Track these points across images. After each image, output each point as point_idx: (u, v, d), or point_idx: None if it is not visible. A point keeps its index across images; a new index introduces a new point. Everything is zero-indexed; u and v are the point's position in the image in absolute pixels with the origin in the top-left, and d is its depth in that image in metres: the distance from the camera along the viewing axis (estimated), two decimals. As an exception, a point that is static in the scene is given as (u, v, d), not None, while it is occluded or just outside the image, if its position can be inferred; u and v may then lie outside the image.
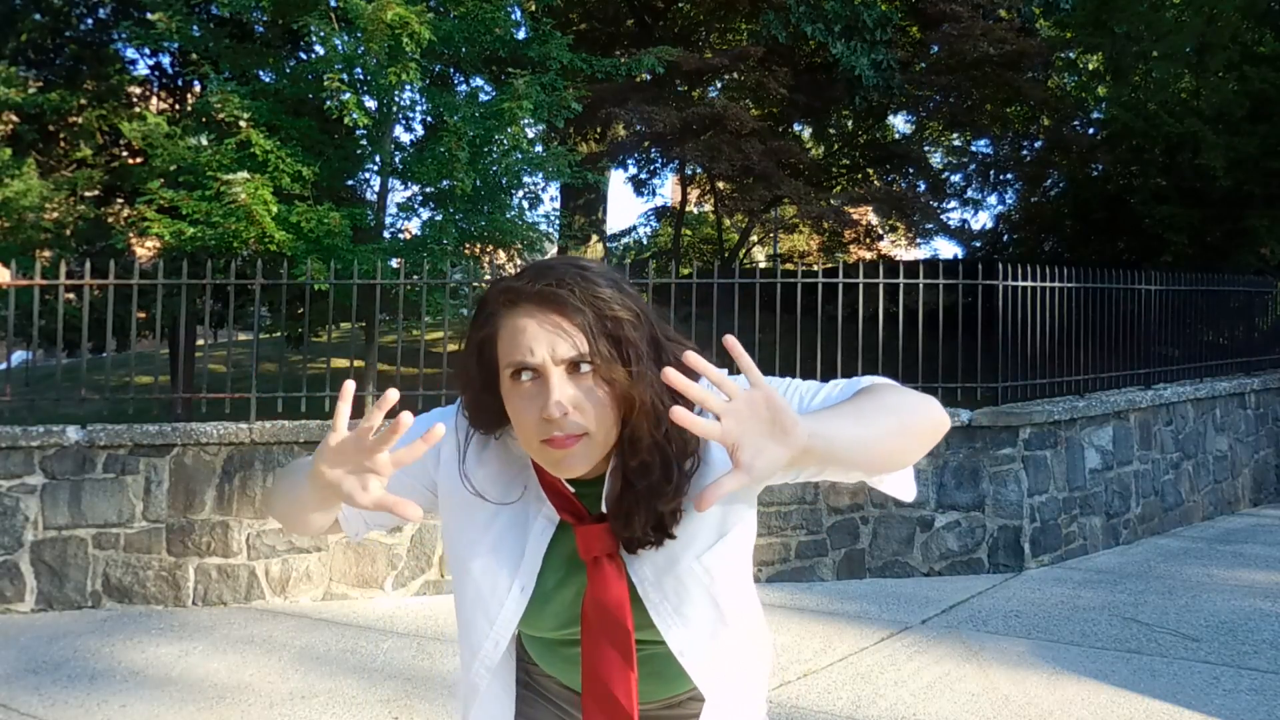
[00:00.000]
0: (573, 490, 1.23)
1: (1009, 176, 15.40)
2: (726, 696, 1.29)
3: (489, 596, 1.27)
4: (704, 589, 1.24)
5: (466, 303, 7.30)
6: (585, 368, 1.13)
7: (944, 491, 6.01)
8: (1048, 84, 14.16)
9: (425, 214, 8.06)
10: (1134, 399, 7.02)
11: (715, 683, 1.28)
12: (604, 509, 1.21)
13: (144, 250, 9.86)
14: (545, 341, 1.12)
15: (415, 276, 6.87)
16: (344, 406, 1.08)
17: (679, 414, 0.93)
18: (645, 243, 20.50)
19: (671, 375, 0.94)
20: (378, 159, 7.87)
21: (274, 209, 6.76)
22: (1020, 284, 6.59)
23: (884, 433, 1.16)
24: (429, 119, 8.53)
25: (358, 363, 6.91)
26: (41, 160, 9.57)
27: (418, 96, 7.99)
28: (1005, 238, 15.87)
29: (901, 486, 1.32)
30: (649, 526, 1.19)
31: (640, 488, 1.16)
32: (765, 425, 0.96)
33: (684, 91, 12.77)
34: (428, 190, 7.94)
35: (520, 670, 1.38)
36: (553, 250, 13.30)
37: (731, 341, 0.98)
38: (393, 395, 1.03)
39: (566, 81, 8.38)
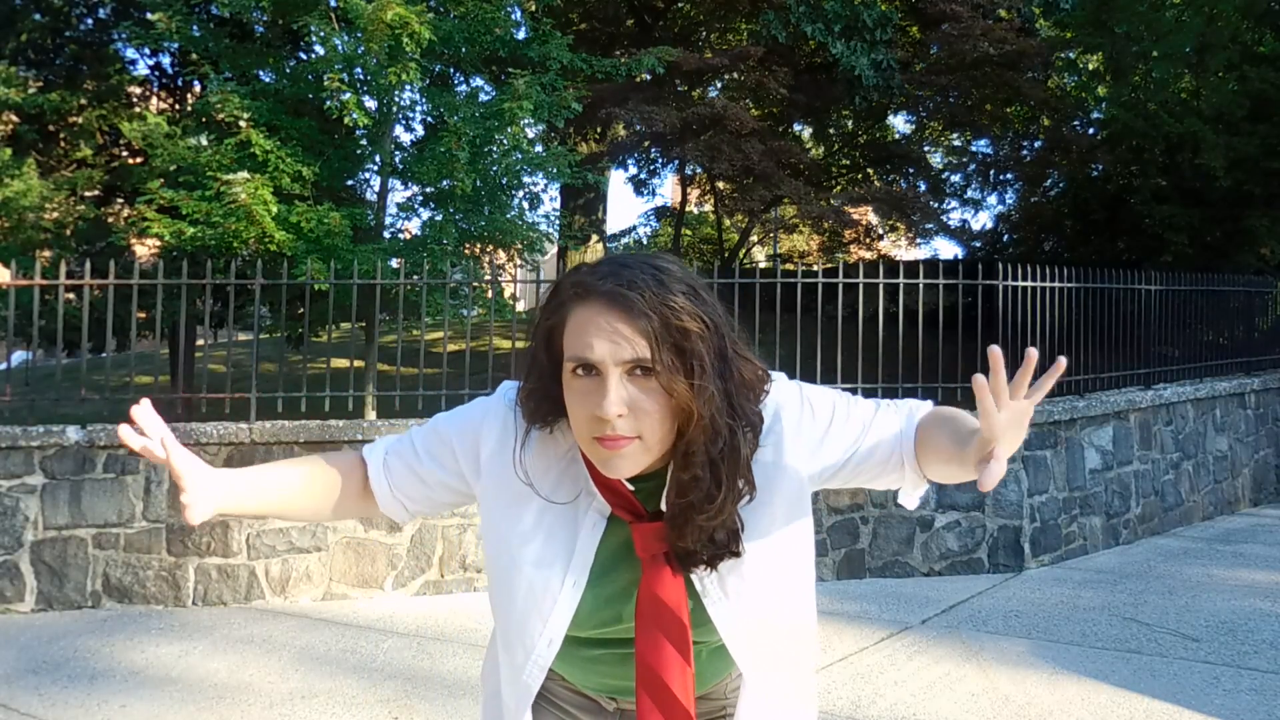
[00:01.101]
0: (631, 488, 1.21)
1: (1009, 176, 15.40)
2: (768, 680, 1.29)
3: (542, 593, 1.24)
4: (768, 588, 1.23)
5: (466, 303, 7.30)
6: (646, 373, 1.11)
7: (944, 491, 6.01)
8: (1048, 84, 14.16)
9: (425, 214, 8.07)
10: (1134, 399, 7.02)
11: (761, 671, 1.27)
12: (664, 507, 1.20)
13: (144, 250, 9.86)
14: (608, 341, 1.11)
15: (415, 276, 6.87)
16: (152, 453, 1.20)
17: (979, 382, 1.01)
18: (645, 243, 20.48)
19: (995, 353, 1.02)
20: (378, 159, 7.87)
21: (274, 209, 6.76)
22: (1020, 284, 6.58)
23: None
24: (429, 119, 8.53)
25: (358, 363, 6.91)
26: (41, 160, 9.57)
27: (418, 96, 8.00)
28: (1005, 238, 15.86)
29: (918, 495, 1.37)
30: (702, 543, 1.17)
31: (691, 500, 1.15)
32: (1017, 432, 1.05)
33: (684, 91, 12.77)
34: (428, 190, 7.94)
35: None
36: (553, 251, 13.31)
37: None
38: (136, 410, 1.17)
39: (566, 81, 8.38)
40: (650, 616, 1.20)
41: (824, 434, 1.28)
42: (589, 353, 1.12)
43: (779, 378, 1.30)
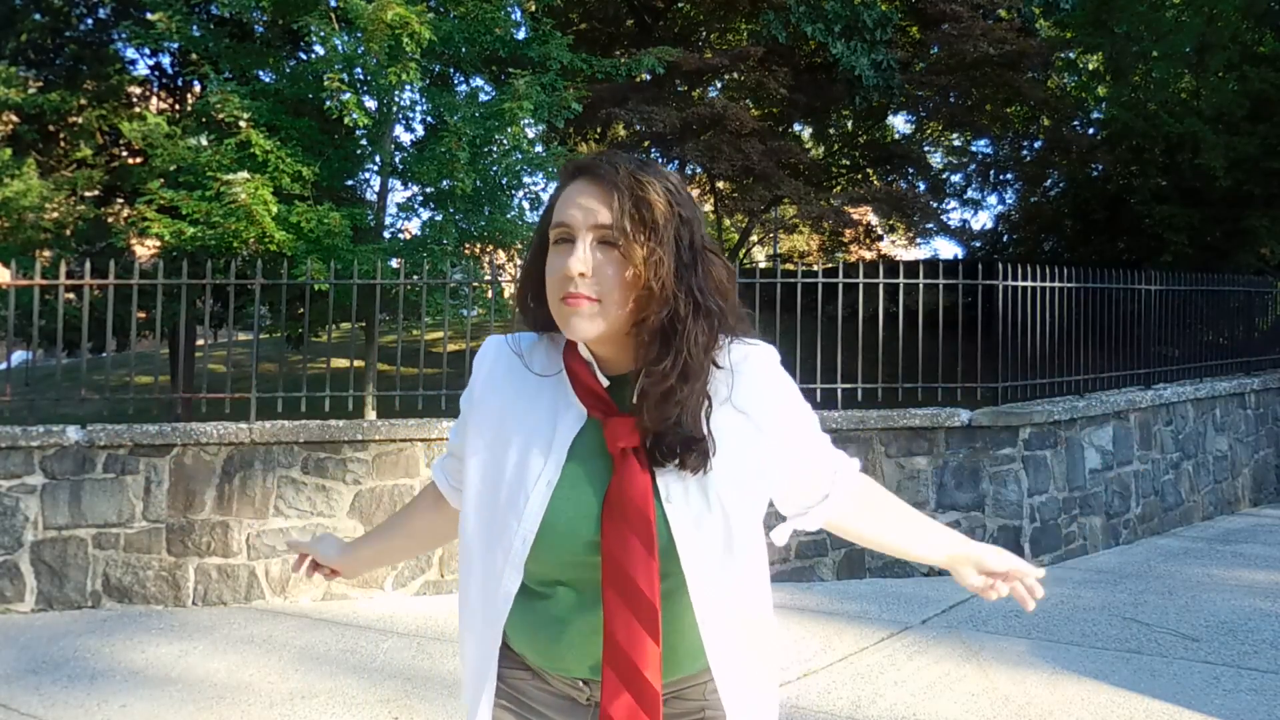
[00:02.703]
0: (605, 384, 1.30)
1: (1009, 176, 15.41)
2: (737, 671, 1.32)
3: (518, 490, 1.31)
4: (724, 517, 1.29)
5: (466, 303, 7.31)
6: (614, 246, 1.22)
7: (944, 491, 6.01)
8: (1048, 84, 14.16)
9: (425, 214, 8.07)
10: (1134, 399, 7.02)
11: (725, 650, 1.31)
12: (634, 404, 1.27)
13: (144, 250, 9.86)
14: (580, 209, 1.24)
15: (415, 276, 6.87)
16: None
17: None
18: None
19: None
20: (378, 159, 7.87)
21: (274, 209, 6.76)
22: (1020, 284, 6.58)
23: None
24: (429, 119, 8.54)
25: (358, 363, 6.91)
26: (41, 160, 9.57)
27: (418, 96, 8.00)
28: (1005, 238, 15.87)
29: (785, 534, 1.48)
30: (667, 427, 1.25)
31: (651, 378, 1.24)
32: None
33: (684, 91, 12.77)
34: (428, 190, 7.94)
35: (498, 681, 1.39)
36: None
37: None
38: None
39: (566, 81, 8.38)
40: (618, 510, 1.25)
41: (788, 413, 1.38)
42: (564, 217, 1.25)
43: (768, 347, 1.39)
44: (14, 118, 9.49)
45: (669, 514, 1.27)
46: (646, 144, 13.46)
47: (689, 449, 1.26)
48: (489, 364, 1.41)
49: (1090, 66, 15.50)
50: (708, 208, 18.28)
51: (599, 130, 14.03)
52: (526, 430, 1.33)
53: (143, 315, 8.06)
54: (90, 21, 10.91)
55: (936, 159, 18.04)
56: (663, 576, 1.26)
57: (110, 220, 9.76)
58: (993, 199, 16.41)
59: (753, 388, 1.33)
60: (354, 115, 6.90)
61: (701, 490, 1.28)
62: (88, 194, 9.77)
